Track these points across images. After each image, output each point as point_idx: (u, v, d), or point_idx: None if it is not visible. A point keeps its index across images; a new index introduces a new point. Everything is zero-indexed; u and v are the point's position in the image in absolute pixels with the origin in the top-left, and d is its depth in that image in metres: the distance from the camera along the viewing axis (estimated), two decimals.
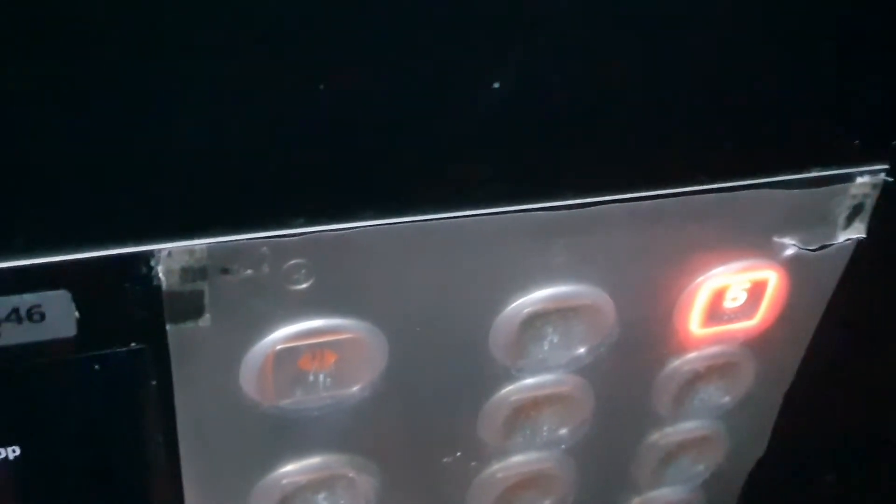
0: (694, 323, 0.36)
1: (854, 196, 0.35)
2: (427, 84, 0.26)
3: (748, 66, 0.30)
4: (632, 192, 0.31)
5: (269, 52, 0.24)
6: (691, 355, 0.37)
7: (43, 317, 0.26)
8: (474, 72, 0.27)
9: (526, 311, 0.32)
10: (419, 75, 0.26)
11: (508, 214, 0.30)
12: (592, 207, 0.31)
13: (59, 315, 0.26)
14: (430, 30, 0.26)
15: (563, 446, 0.37)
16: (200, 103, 0.24)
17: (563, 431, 0.36)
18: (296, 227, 0.27)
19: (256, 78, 0.24)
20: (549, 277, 0.32)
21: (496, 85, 0.27)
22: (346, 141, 0.27)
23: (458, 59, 0.26)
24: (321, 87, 0.25)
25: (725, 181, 0.32)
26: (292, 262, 0.28)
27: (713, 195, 0.32)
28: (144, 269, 0.26)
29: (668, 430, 0.39)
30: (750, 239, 0.35)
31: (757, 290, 0.36)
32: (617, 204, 0.31)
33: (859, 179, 0.34)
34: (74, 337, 0.26)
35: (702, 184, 0.32)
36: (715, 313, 0.36)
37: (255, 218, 0.27)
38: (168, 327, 0.27)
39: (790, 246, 0.35)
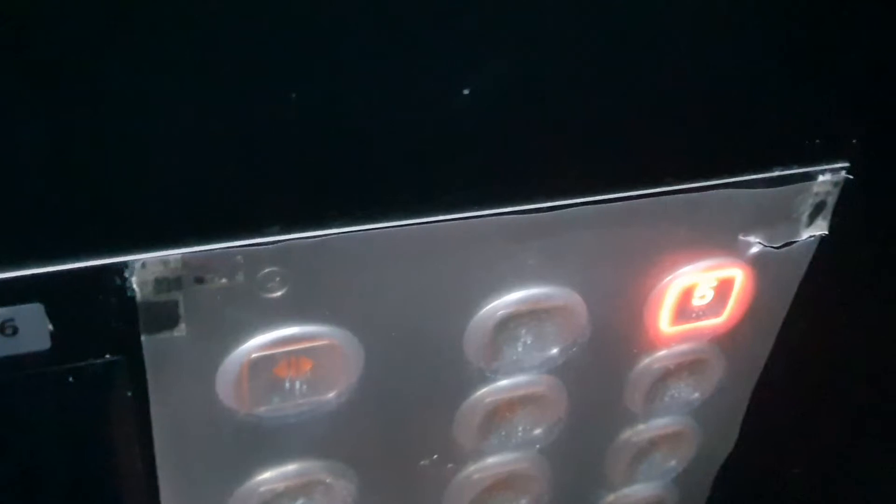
0: (663, 321, 0.36)
1: (816, 194, 0.35)
2: (397, 91, 0.27)
3: (711, 70, 0.31)
4: (600, 195, 0.32)
5: (240, 61, 0.24)
6: (661, 353, 0.37)
7: (16, 330, 0.25)
8: (444, 78, 0.27)
9: (499, 313, 0.32)
10: (390, 82, 0.26)
11: (480, 219, 0.30)
12: (562, 210, 0.31)
13: (32, 328, 0.26)
14: (400, 37, 0.26)
15: (537, 446, 0.37)
16: (171, 114, 0.24)
17: (538, 431, 0.37)
18: (269, 235, 0.27)
19: (228, 88, 0.25)
20: (522, 280, 0.32)
21: (466, 91, 0.27)
22: (317, 149, 0.27)
23: (429, 66, 0.27)
24: (293, 95, 0.25)
25: (691, 182, 0.33)
26: (266, 270, 0.28)
27: (679, 196, 0.33)
28: (118, 281, 0.26)
29: (641, 427, 0.40)
30: (716, 238, 0.35)
31: (724, 288, 0.36)
32: (586, 206, 0.31)
33: (821, 177, 0.35)
34: (49, 350, 0.26)
35: (668, 185, 0.32)
36: (683, 311, 0.36)
37: (229, 227, 0.27)
38: (143, 338, 0.27)
39: (755, 244, 0.36)
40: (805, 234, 0.36)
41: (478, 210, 0.30)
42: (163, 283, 0.27)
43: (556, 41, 0.28)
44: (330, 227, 0.28)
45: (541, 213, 0.31)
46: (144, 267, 0.26)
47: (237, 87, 0.25)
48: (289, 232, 0.27)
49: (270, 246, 0.27)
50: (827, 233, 0.36)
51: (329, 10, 0.24)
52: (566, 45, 0.28)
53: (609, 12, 0.28)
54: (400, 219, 0.29)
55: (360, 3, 0.25)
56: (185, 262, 0.26)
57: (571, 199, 0.31)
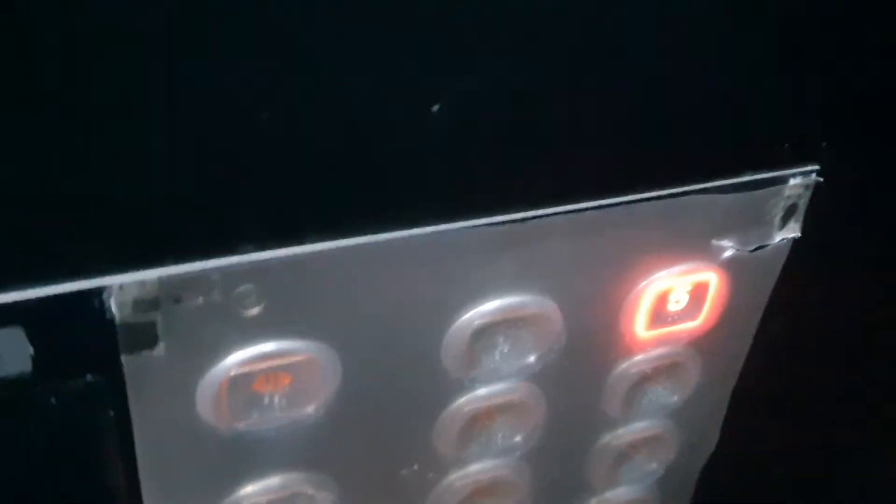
0: (639, 326, 0.37)
1: (788, 197, 0.36)
2: (369, 106, 0.27)
3: (680, 77, 0.31)
4: (574, 204, 0.32)
5: (211, 82, 0.25)
6: (638, 357, 0.38)
7: None
8: (416, 92, 0.27)
9: (476, 322, 0.33)
10: (361, 99, 0.27)
11: (454, 230, 0.30)
12: (536, 220, 0.31)
13: (13, 352, 0.26)
14: (370, 54, 0.26)
15: (518, 453, 0.38)
16: (143, 136, 0.25)
17: (518, 438, 0.37)
18: (244, 253, 0.28)
19: (199, 108, 0.25)
20: (498, 289, 0.33)
21: (435, 108, 0.27)
22: (289, 166, 0.27)
23: (399, 82, 0.27)
24: (265, 114, 0.26)
25: (663, 189, 0.33)
26: (243, 287, 0.28)
27: (652, 202, 0.33)
28: (97, 303, 0.26)
29: (620, 431, 0.40)
30: (690, 243, 0.36)
31: (699, 292, 0.37)
32: (560, 215, 0.32)
33: (792, 181, 0.35)
34: (30, 372, 0.26)
35: (640, 192, 0.33)
36: (659, 316, 0.37)
37: (204, 246, 0.27)
38: (123, 358, 0.28)
39: (729, 248, 0.36)
40: (778, 237, 0.37)
41: (452, 222, 0.30)
42: (141, 304, 0.27)
43: (527, 53, 0.28)
44: (304, 243, 0.28)
45: (515, 224, 0.31)
46: (122, 289, 0.26)
47: (208, 107, 0.25)
48: (263, 249, 0.28)
49: (246, 264, 0.28)
50: (799, 235, 0.37)
51: (300, 28, 0.25)
52: (537, 56, 0.28)
53: (579, 22, 0.28)
54: (374, 232, 0.29)
55: (329, 20, 0.25)
56: (162, 282, 0.27)
57: (544, 208, 0.31)
